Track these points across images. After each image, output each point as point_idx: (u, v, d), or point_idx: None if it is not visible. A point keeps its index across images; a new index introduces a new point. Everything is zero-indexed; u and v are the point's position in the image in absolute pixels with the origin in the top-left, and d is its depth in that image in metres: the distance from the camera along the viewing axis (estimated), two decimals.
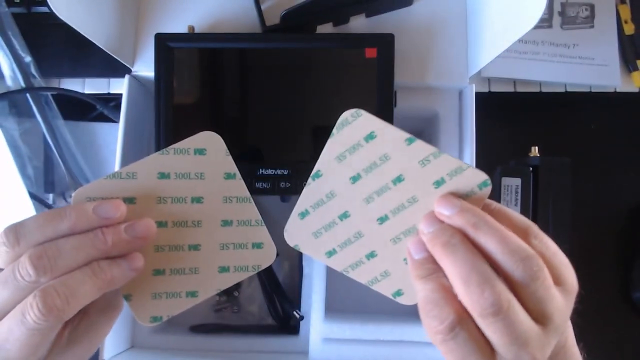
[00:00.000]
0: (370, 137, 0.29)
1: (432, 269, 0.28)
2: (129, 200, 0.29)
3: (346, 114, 0.29)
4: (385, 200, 0.29)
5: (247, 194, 0.31)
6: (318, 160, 0.30)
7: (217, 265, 0.30)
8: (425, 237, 0.28)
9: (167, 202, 0.30)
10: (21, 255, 0.26)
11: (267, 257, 0.31)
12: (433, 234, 0.28)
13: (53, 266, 0.25)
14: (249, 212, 0.31)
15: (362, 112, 0.29)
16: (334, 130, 0.29)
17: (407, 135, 0.28)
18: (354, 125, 0.29)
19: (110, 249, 0.27)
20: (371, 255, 0.30)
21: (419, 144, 0.28)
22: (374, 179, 0.29)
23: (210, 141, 0.30)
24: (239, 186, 0.31)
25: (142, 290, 0.29)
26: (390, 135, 0.29)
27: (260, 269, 0.31)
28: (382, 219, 0.29)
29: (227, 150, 0.31)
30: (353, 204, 0.30)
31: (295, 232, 0.31)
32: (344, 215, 0.30)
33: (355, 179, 0.29)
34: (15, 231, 0.26)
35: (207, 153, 0.30)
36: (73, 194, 0.28)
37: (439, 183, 0.28)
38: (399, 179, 0.29)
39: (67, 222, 0.26)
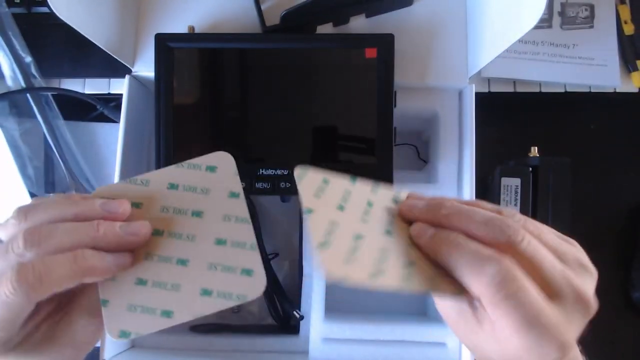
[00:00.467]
0: (325, 181, 0.30)
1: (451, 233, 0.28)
2: (136, 205, 0.30)
3: (297, 172, 0.30)
4: (376, 221, 0.30)
5: (247, 215, 0.30)
6: (302, 200, 0.29)
7: (200, 286, 0.29)
8: (436, 214, 0.29)
9: (170, 211, 0.30)
10: None
11: (255, 287, 0.29)
12: (436, 209, 0.29)
13: (41, 243, 0.26)
14: (245, 234, 0.30)
15: (308, 170, 0.30)
16: (297, 183, 0.30)
17: (348, 177, 0.31)
18: (308, 178, 0.30)
19: (100, 238, 0.27)
20: (411, 264, 0.29)
21: (360, 180, 0.31)
22: (354, 207, 0.30)
23: (222, 160, 0.31)
24: (241, 206, 0.31)
25: (120, 298, 0.28)
26: (337, 181, 0.31)
27: (245, 301, 0.28)
28: (389, 232, 0.30)
29: (237, 171, 0.31)
30: (357, 225, 0.29)
31: (331, 261, 0.27)
32: (358, 237, 0.29)
33: (341, 208, 0.30)
34: (26, 209, 0.27)
35: (217, 171, 0.31)
36: (93, 192, 0.30)
37: (395, 201, 0.32)
38: (370, 204, 0.31)
39: (74, 209, 0.28)
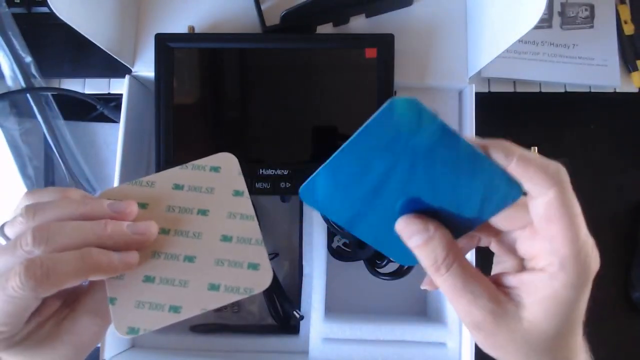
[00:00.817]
0: None
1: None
2: (142, 206, 0.31)
3: None
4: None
5: (252, 212, 0.31)
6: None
7: (208, 281, 0.30)
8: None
9: (175, 211, 0.31)
10: None
11: (261, 281, 0.30)
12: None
13: (49, 240, 0.26)
14: (250, 230, 0.31)
15: None
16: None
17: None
18: None
19: (108, 236, 0.28)
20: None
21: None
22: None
23: (226, 161, 0.32)
24: (246, 204, 0.31)
25: (128, 296, 0.29)
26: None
27: (251, 294, 0.29)
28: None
29: (240, 170, 0.32)
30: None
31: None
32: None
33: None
34: (35, 207, 0.28)
35: (221, 171, 0.32)
36: (98, 193, 0.31)
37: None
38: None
39: (82, 208, 0.28)
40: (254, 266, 0.30)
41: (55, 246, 0.26)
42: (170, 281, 0.29)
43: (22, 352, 0.28)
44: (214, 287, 0.29)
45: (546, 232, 0.25)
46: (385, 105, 0.24)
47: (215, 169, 0.32)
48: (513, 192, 0.26)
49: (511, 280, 0.27)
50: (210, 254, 0.30)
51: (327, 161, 0.27)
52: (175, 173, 0.32)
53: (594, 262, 0.26)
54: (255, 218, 0.31)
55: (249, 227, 0.31)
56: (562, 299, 0.25)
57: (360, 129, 0.25)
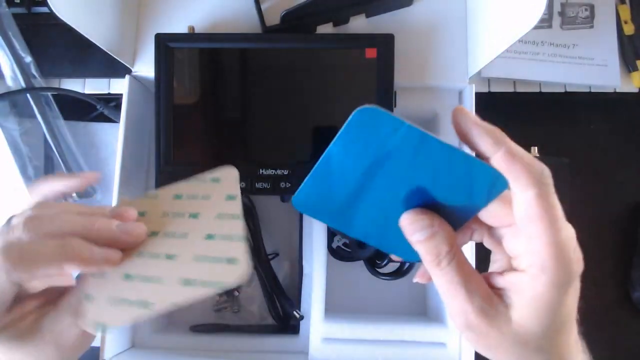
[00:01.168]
0: None
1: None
2: (141, 214, 0.32)
3: None
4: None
5: (240, 213, 0.31)
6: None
7: (183, 276, 0.29)
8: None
9: (169, 216, 0.32)
10: None
11: (236, 274, 0.29)
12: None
13: (37, 227, 0.27)
14: (234, 228, 0.31)
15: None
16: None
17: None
18: None
19: (95, 231, 0.28)
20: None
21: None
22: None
23: (227, 173, 0.33)
24: (236, 206, 0.32)
25: (104, 293, 0.29)
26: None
27: (225, 288, 0.29)
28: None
29: (239, 179, 0.33)
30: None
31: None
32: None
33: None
34: (46, 203, 0.30)
35: (220, 181, 0.33)
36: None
37: None
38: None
39: (84, 209, 0.30)
40: (232, 260, 0.30)
41: (40, 233, 0.27)
42: (149, 279, 0.30)
43: (6, 342, 0.28)
44: (188, 282, 0.29)
45: (527, 232, 0.25)
46: (351, 116, 0.25)
47: (215, 180, 0.33)
48: (498, 183, 0.26)
49: (499, 281, 0.27)
50: (191, 251, 0.30)
51: (313, 169, 0.27)
52: (179, 186, 0.33)
53: (577, 263, 0.25)
54: (242, 217, 0.31)
55: (234, 225, 0.31)
56: (546, 300, 0.25)
57: (335, 138, 0.26)
